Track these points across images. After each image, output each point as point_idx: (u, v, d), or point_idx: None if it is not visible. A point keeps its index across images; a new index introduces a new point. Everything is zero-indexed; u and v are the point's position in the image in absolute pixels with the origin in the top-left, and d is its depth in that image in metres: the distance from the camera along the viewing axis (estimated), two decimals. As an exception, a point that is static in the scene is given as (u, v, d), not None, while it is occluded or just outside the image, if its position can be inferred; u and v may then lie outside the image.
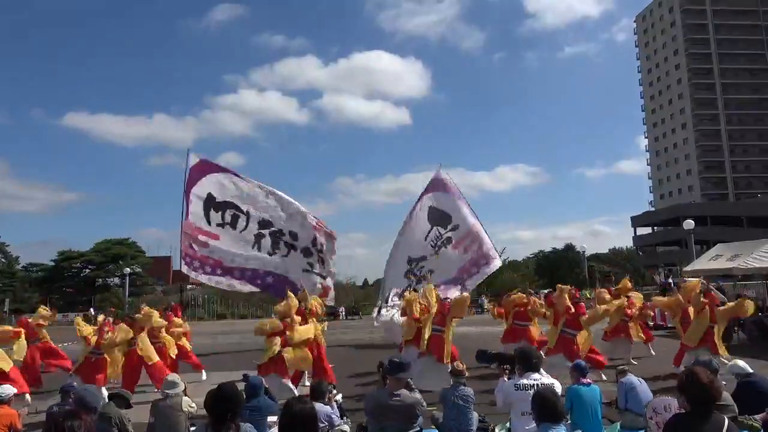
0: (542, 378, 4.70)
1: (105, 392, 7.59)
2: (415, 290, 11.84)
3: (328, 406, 5.83)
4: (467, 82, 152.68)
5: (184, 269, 12.82)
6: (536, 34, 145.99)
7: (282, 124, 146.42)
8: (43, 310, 11.92)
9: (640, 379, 6.32)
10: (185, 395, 6.02)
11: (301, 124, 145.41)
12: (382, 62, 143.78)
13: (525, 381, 4.65)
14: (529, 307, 11.81)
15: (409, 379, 4.74)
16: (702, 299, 10.18)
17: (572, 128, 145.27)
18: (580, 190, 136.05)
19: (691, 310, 10.39)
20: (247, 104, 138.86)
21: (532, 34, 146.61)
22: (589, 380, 5.99)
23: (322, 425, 5.38)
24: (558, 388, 4.62)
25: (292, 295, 9.64)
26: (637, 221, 76.74)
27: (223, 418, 3.37)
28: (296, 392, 8.45)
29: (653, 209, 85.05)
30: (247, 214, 13.17)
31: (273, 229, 13.45)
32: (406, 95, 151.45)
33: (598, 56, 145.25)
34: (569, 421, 5.71)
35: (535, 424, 4.14)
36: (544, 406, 3.67)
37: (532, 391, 4.34)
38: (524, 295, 12.48)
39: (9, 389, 5.94)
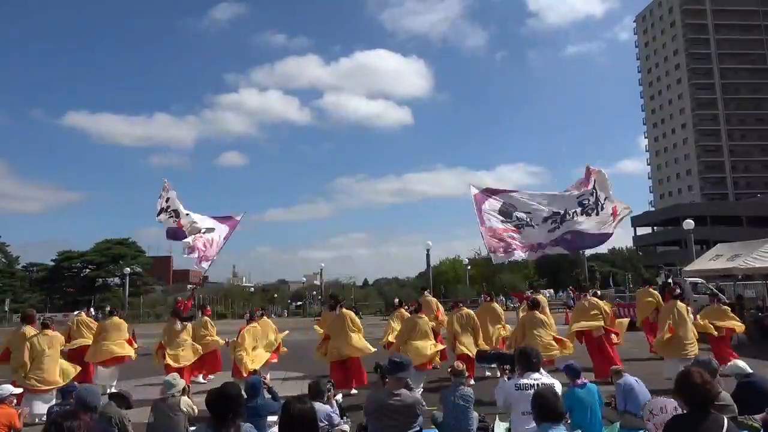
0: (542, 378, 4.69)
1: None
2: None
3: (327, 405, 5.83)
4: (469, 82, 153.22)
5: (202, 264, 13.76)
6: (539, 34, 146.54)
7: (283, 124, 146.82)
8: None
9: (637, 379, 6.29)
10: (185, 395, 6.02)
11: (302, 124, 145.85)
12: (384, 61, 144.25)
13: (525, 381, 4.65)
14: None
15: (408, 379, 4.74)
16: None
17: (574, 127, 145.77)
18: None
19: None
20: (248, 103, 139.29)
21: (535, 33, 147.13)
22: (584, 380, 5.98)
23: (322, 425, 5.38)
24: (558, 388, 4.62)
25: None
26: (637, 221, 76.66)
27: (224, 417, 3.37)
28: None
29: (653, 209, 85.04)
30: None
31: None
32: (408, 94, 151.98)
33: (600, 55, 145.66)
34: (569, 421, 5.72)
35: (535, 424, 4.14)
36: (544, 406, 3.66)
37: (532, 391, 4.34)
38: None
39: (8, 388, 5.95)
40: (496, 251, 11.69)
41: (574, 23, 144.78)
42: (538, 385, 4.53)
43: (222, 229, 14.87)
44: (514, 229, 12.02)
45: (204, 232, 14.16)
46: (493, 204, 12.44)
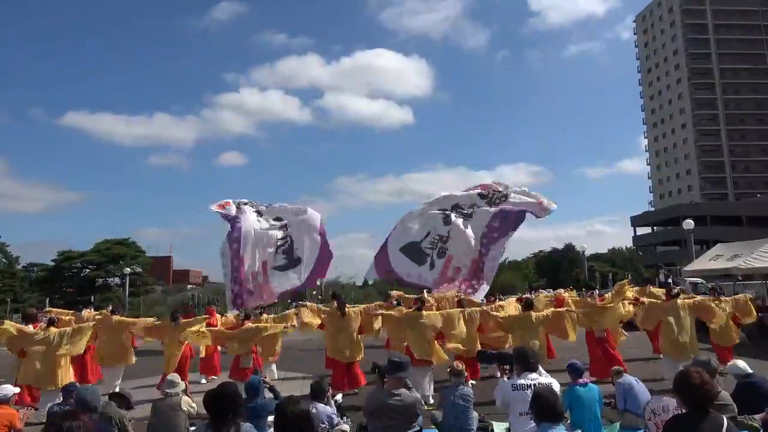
0: (539, 378, 4.67)
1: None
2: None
3: (328, 406, 5.83)
4: (470, 81, 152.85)
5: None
6: (540, 33, 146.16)
7: (283, 124, 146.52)
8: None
9: (637, 379, 6.31)
10: (185, 395, 6.03)
11: (302, 124, 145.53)
12: (385, 61, 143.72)
13: (522, 381, 4.62)
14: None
15: (407, 379, 4.73)
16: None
17: (575, 127, 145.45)
18: (582, 190, 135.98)
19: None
20: (249, 103, 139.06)
21: (536, 32, 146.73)
22: (586, 380, 5.99)
23: (322, 425, 5.39)
24: (556, 387, 4.60)
25: None
26: (636, 221, 76.71)
27: (223, 417, 3.35)
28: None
29: (653, 209, 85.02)
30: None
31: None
32: (409, 94, 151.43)
33: (602, 55, 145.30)
34: (569, 421, 5.72)
35: (533, 424, 4.12)
36: (543, 405, 3.65)
37: (529, 391, 4.32)
38: None
39: (9, 389, 5.96)
40: (465, 289, 11.41)
41: (575, 22, 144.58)
42: (535, 385, 4.51)
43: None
44: (437, 258, 11.79)
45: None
46: (399, 262, 11.99)
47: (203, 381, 11.32)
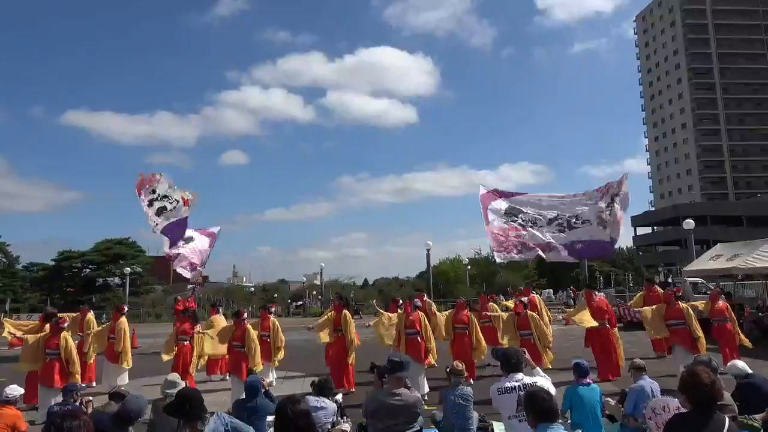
0: (524, 378, 4.48)
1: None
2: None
3: (333, 404, 5.82)
4: (475, 79, 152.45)
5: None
6: (546, 31, 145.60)
7: (286, 122, 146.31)
8: None
9: (653, 385, 5.95)
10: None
11: (305, 122, 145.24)
12: (389, 58, 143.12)
13: (507, 384, 4.46)
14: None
15: (406, 379, 4.72)
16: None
17: (578, 126, 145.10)
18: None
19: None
20: (251, 101, 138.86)
21: (542, 30, 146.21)
22: (589, 380, 5.96)
23: (329, 419, 5.39)
24: (544, 384, 4.42)
25: None
26: (637, 221, 76.67)
27: (189, 417, 3.52)
28: None
29: (653, 209, 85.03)
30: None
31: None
32: (413, 92, 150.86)
33: (607, 53, 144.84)
34: (569, 421, 5.70)
35: (522, 426, 4.07)
36: (537, 405, 3.56)
37: (514, 393, 4.23)
38: None
39: (16, 390, 5.96)
40: (499, 251, 11.73)
41: (581, 20, 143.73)
42: (519, 386, 4.35)
43: (203, 240, 16.31)
44: (518, 227, 12.07)
45: (185, 243, 15.59)
46: (499, 204, 12.46)
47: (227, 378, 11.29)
